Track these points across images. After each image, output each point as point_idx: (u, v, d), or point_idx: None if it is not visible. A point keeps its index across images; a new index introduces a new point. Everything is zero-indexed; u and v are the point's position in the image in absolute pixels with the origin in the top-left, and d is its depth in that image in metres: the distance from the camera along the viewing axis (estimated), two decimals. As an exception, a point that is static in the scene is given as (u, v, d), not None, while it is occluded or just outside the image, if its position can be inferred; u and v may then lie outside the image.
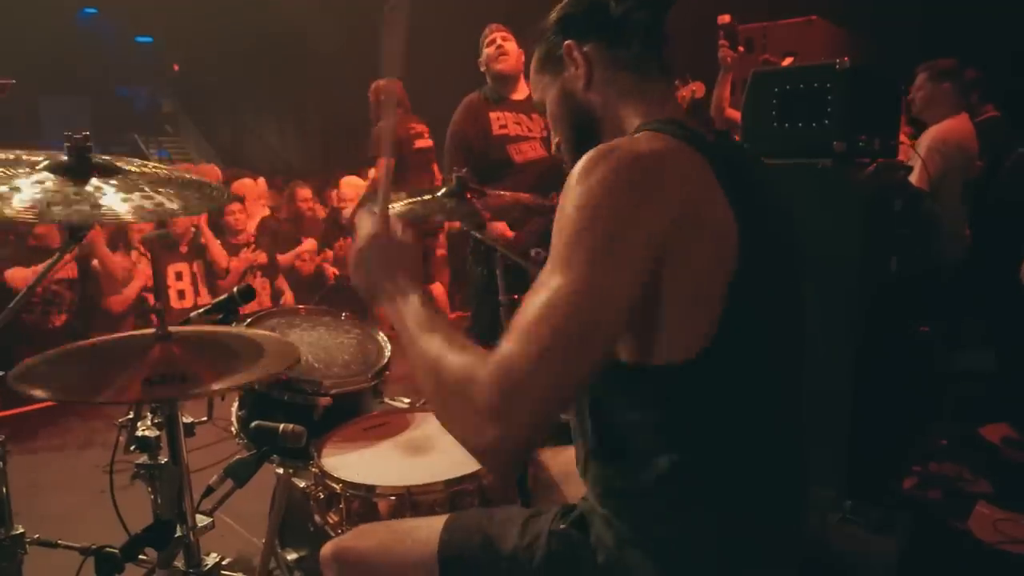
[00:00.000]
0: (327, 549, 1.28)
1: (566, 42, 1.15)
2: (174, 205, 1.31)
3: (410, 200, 1.99)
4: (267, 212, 6.11)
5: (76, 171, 1.28)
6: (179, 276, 4.98)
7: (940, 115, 3.49)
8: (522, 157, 3.14)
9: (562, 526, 1.16)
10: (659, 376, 0.98)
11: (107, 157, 1.37)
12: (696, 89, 3.51)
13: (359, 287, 1.18)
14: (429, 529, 1.22)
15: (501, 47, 3.18)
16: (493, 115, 3.18)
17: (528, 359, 0.87)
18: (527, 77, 3.55)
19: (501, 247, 2.08)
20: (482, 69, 3.29)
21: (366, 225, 1.20)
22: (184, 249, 5.02)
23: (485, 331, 3.16)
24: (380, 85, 4.18)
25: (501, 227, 3.07)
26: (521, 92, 3.27)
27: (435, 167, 4.78)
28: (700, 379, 0.97)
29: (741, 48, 3.65)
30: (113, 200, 1.24)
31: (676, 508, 1.03)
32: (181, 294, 4.95)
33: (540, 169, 3.10)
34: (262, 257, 5.42)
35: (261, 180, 6.79)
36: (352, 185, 5.98)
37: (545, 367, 0.87)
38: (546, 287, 0.90)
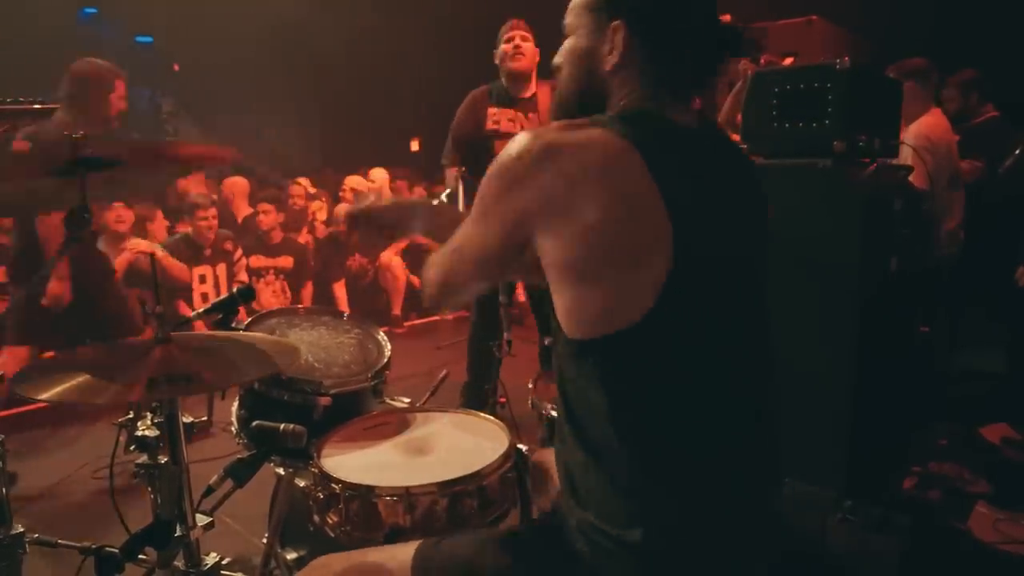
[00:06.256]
0: None
1: (616, 22, 1.11)
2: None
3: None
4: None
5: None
6: (203, 279, 5.03)
7: (914, 113, 3.56)
8: None
9: (541, 539, 1.15)
10: (599, 348, 1.02)
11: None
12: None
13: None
14: (400, 559, 1.18)
15: (519, 47, 3.25)
16: (491, 111, 3.30)
17: (439, 268, 1.22)
18: (539, 76, 3.57)
19: None
20: (496, 62, 3.35)
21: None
22: (208, 252, 5.04)
23: (487, 329, 3.15)
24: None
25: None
26: (529, 90, 3.34)
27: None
28: (636, 352, 1.00)
29: (763, 60, 3.61)
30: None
31: (635, 494, 1.02)
32: (204, 296, 4.99)
33: None
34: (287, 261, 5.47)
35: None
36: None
37: (444, 273, 1.22)
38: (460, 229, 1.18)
